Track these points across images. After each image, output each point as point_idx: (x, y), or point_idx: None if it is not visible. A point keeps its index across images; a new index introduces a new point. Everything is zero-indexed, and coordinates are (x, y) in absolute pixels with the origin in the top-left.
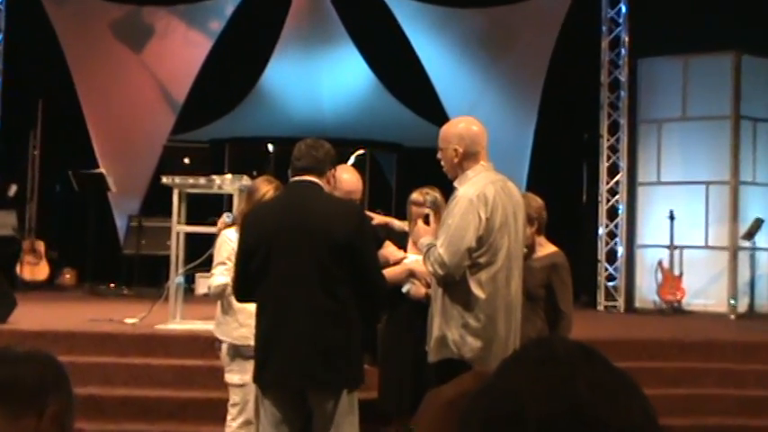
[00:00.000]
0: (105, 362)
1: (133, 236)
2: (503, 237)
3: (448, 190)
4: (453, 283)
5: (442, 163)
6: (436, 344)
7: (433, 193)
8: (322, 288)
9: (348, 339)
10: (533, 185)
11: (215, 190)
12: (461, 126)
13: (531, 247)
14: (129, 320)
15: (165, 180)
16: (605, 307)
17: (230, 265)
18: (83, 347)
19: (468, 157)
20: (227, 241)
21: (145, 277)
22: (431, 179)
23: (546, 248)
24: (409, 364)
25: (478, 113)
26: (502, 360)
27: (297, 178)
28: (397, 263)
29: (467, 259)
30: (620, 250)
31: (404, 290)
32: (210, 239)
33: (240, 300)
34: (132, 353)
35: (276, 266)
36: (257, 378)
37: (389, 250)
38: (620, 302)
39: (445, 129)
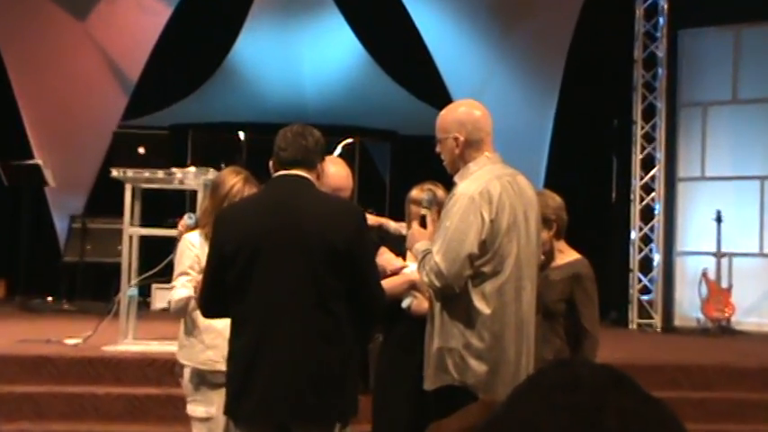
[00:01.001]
0: (40, 391)
1: (76, 240)
2: (510, 241)
3: (453, 186)
4: (453, 297)
5: (443, 157)
6: (434, 368)
7: (435, 190)
8: (316, 303)
9: (343, 364)
10: (552, 181)
11: (175, 185)
12: (461, 111)
13: (548, 255)
14: (70, 341)
15: (115, 173)
16: (639, 325)
17: (194, 275)
18: (12, 374)
19: (471, 146)
20: (190, 247)
21: (90, 289)
22: (432, 173)
23: (566, 256)
24: (408, 392)
25: (488, 95)
26: (513, 387)
27: (283, 172)
28: (396, 273)
29: (468, 268)
30: (657, 258)
31: (403, 305)
32: (170, 244)
33: (207, 315)
34: (74, 380)
35: (260, 277)
36: (231, 410)
37: (386, 258)
38: (657, 320)
39: (443, 116)
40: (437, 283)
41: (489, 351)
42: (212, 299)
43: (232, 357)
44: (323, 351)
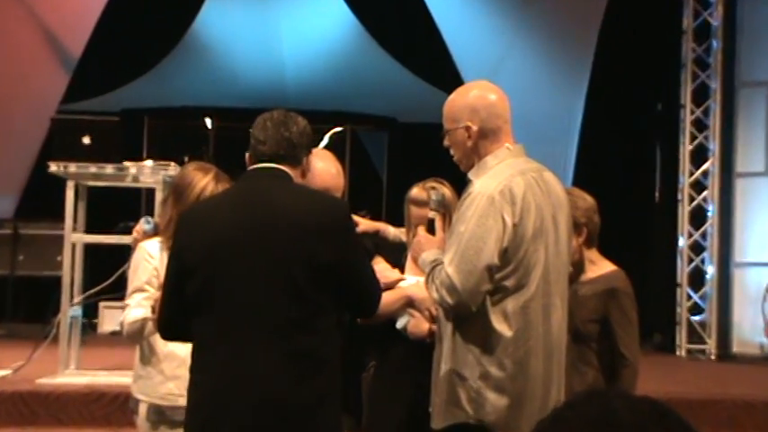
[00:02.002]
0: None
1: (5, 249)
2: (537, 250)
3: (463, 184)
4: (468, 317)
5: (452, 152)
6: (444, 403)
7: (440, 189)
8: (295, 321)
9: (324, 394)
10: (583, 178)
11: (129, 183)
12: (473, 95)
13: (577, 266)
14: None
15: (54, 168)
16: (688, 351)
17: (152, 291)
18: None
19: (486, 136)
20: (147, 258)
21: (22, 309)
22: (437, 168)
23: (600, 267)
24: (405, 430)
25: (505, 75)
26: (538, 422)
27: (257, 166)
28: (390, 287)
29: (486, 282)
30: (710, 270)
31: (398, 325)
32: (122, 255)
33: (166, 337)
34: (3, 419)
35: (226, 292)
36: None
37: (379, 269)
38: (711, 345)
39: (451, 101)
40: (449, 301)
41: (511, 382)
42: (171, 318)
43: (193, 390)
44: (302, 380)
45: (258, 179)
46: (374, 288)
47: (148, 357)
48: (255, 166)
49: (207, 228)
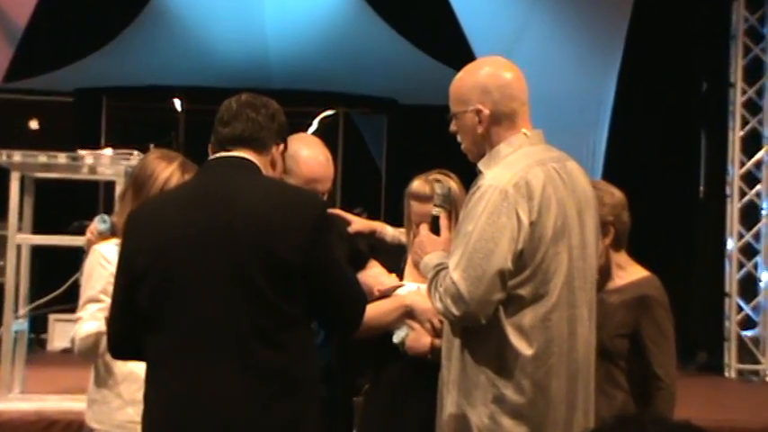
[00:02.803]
0: None
1: None
2: (558, 253)
3: (472, 176)
4: (479, 331)
5: (459, 138)
6: (451, 431)
7: (446, 182)
8: (259, 335)
9: (297, 420)
10: (614, 169)
11: (84, 175)
12: (485, 73)
13: (604, 272)
14: None
15: None
16: (739, 372)
17: (108, 301)
18: None
19: (500, 121)
20: (103, 263)
21: None
22: (444, 157)
23: (629, 273)
24: None
25: (523, 50)
26: None
27: (220, 155)
28: (386, 295)
29: (498, 290)
30: (765, 277)
31: (395, 339)
32: (75, 259)
33: (118, 356)
34: None
35: (179, 302)
36: None
37: (374, 274)
38: (766, 365)
39: (459, 81)
40: (455, 311)
41: (531, 407)
42: (122, 334)
43: (145, 417)
44: (269, 402)
45: (218, 171)
46: (355, 298)
47: (104, 379)
48: (217, 155)
49: (157, 228)
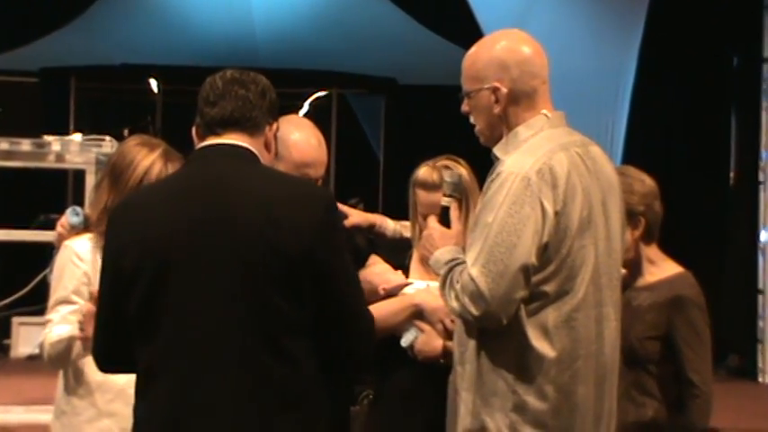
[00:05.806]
0: None
1: None
2: (584, 246)
3: (481, 162)
4: (497, 332)
5: (472, 119)
6: None
7: (455, 169)
8: (259, 339)
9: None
10: (637, 154)
11: (51, 163)
12: (502, 47)
13: (633, 267)
14: None
15: None
16: None
17: (81, 303)
18: None
19: (519, 101)
20: (75, 260)
21: None
22: (447, 142)
23: (662, 269)
24: None
25: (536, 23)
26: None
27: (212, 141)
28: (393, 294)
29: (522, 287)
30: None
31: (403, 342)
32: (43, 256)
33: (106, 369)
34: None
35: (174, 306)
36: None
37: (378, 272)
38: None
39: (473, 56)
40: (474, 311)
41: (554, 415)
42: (110, 343)
43: (138, 427)
44: (270, 414)
45: (212, 160)
46: (365, 314)
47: (75, 387)
48: (207, 142)
49: (145, 225)
